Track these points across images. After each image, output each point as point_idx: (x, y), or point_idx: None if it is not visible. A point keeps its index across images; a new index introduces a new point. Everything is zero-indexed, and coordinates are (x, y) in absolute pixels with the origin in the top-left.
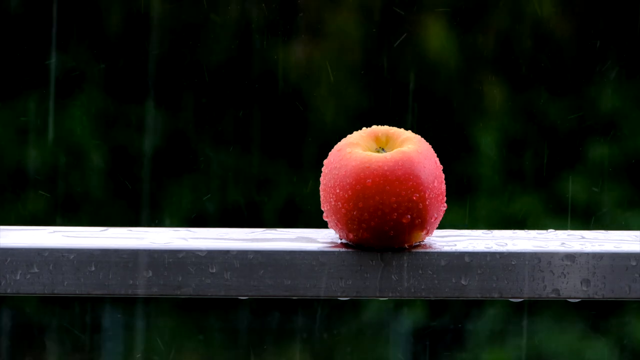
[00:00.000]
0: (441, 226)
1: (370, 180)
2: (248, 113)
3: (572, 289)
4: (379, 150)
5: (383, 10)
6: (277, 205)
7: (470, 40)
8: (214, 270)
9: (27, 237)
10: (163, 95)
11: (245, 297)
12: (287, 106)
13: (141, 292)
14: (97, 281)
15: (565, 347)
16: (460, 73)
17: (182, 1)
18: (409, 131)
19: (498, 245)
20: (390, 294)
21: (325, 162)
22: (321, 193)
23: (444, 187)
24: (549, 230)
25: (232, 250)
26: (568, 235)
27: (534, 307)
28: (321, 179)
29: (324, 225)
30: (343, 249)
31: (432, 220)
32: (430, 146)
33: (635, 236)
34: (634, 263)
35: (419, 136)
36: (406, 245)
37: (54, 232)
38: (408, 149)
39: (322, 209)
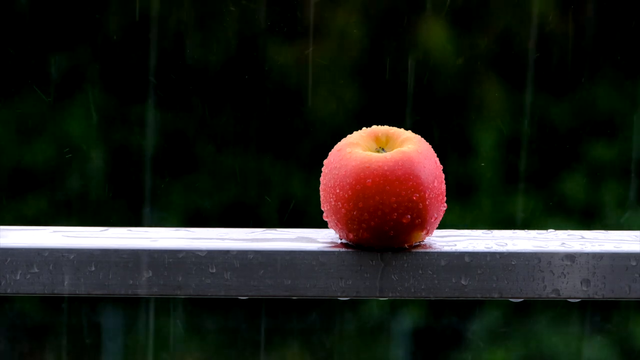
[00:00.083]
0: (441, 226)
1: (370, 180)
2: (248, 113)
3: (572, 289)
4: (379, 150)
5: (383, 10)
6: (277, 205)
7: (470, 40)
8: (214, 270)
9: (27, 237)
10: (163, 95)
11: (245, 297)
12: (287, 106)
13: (141, 292)
14: (97, 281)
15: (565, 347)
16: (460, 73)
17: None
18: (409, 131)
19: (498, 245)
20: (390, 294)
21: (325, 162)
22: (321, 193)
23: (444, 187)
24: (549, 230)
25: (232, 250)
26: (568, 235)
27: (534, 307)
28: (321, 179)
29: (324, 225)
30: (343, 249)
31: (432, 220)
32: (430, 146)
33: (635, 236)
34: (634, 263)
35: (419, 136)
36: (406, 245)
37: (54, 232)
38: (408, 149)
39: (322, 209)
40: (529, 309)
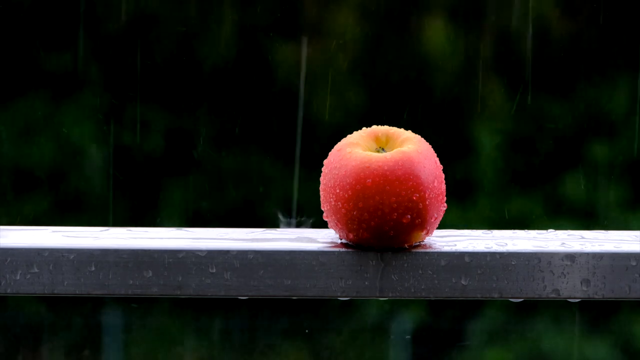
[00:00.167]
0: (441, 226)
1: (370, 180)
2: (248, 113)
3: (572, 289)
4: (379, 150)
5: (383, 10)
6: (277, 205)
7: (470, 40)
8: (214, 270)
9: (27, 237)
10: (163, 95)
11: (245, 297)
12: (287, 106)
13: (141, 292)
14: (97, 281)
15: (565, 347)
16: (460, 73)
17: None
18: (409, 131)
19: (498, 245)
20: (390, 294)
21: (325, 162)
22: (321, 193)
23: (444, 187)
24: (549, 230)
25: (232, 250)
26: (568, 235)
27: (534, 307)
28: (321, 179)
29: (324, 225)
30: (343, 249)
31: (432, 220)
32: (430, 146)
33: (635, 236)
34: (634, 263)
35: (419, 136)
36: (406, 245)
37: (54, 232)
38: (408, 149)
39: (322, 209)
40: (529, 309)
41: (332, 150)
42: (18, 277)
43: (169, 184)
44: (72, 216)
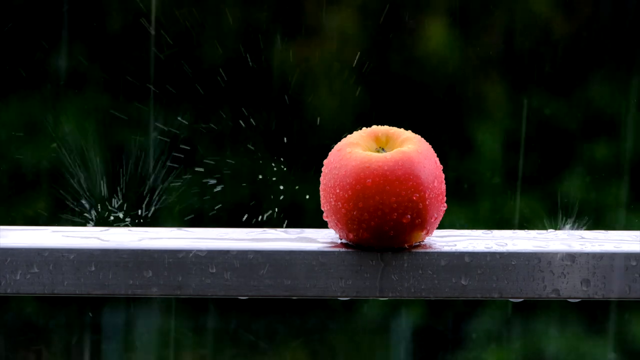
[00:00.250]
0: (441, 226)
1: (370, 180)
2: (247, 113)
3: (572, 289)
4: (379, 150)
5: (383, 10)
6: (277, 205)
7: (471, 40)
8: (214, 270)
9: (27, 237)
10: (163, 95)
11: (245, 297)
12: (287, 106)
13: (141, 292)
14: (97, 281)
15: (565, 347)
16: (460, 73)
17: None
18: (409, 131)
19: (498, 245)
20: (390, 294)
21: (325, 162)
22: (321, 193)
23: (444, 187)
24: (549, 230)
25: (232, 250)
26: (568, 235)
27: (534, 307)
28: (321, 179)
29: (324, 225)
30: (343, 249)
31: (432, 220)
32: (430, 146)
33: (635, 236)
34: (634, 263)
35: (419, 136)
36: (406, 245)
37: (54, 232)
38: (408, 149)
39: (322, 209)
40: (529, 309)
41: (332, 150)
42: (18, 277)
43: (169, 183)
44: (72, 216)
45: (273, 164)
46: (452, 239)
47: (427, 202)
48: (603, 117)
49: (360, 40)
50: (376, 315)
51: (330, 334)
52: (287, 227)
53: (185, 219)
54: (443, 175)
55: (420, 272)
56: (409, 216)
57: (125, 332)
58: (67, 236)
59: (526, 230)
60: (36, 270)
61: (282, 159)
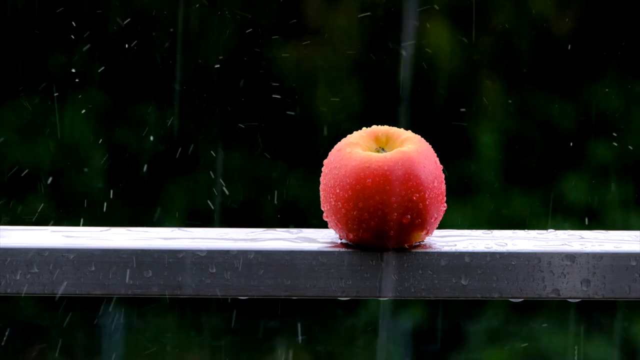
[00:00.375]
0: (441, 226)
1: (370, 180)
2: (248, 113)
3: (572, 289)
4: (379, 150)
5: (383, 10)
6: (277, 205)
7: (471, 40)
8: (214, 270)
9: (27, 237)
10: (163, 95)
11: (245, 297)
12: (287, 106)
13: (141, 292)
14: (97, 281)
15: (565, 347)
16: (460, 73)
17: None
18: (409, 131)
19: (498, 245)
20: (390, 294)
21: (325, 162)
22: (321, 193)
23: (444, 187)
24: (549, 230)
25: (232, 250)
26: (568, 235)
27: (534, 307)
28: (321, 179)
29: (324, 225)
30: (343, 249)
31: (432, 220)
32: (430, 146)
33: (635, 236)
34: (634, 263)
35: (419, 136)
36: (406, 245)
37: (54, 232)
38: (408, 149)
39: (322, 209)
40: (529, 309)
41: (332, 150)
42: (18, 277)
43: (169, 183)
44: (72, 216)
45: (273, 164)
46: (452, 239)
47: (427, 202)
48: (603, 118)
49: (360, 40)
50: (376, 315)
51: (330, 334)
52: (287, 227)
53: (186, 219)
54: (443, 175)
55: (420, 272)
56: (409, 216)
57: (125, 332)
58: (67, 236)
59: (526, 230)
60: (36, 270)
61: (281, 159)
